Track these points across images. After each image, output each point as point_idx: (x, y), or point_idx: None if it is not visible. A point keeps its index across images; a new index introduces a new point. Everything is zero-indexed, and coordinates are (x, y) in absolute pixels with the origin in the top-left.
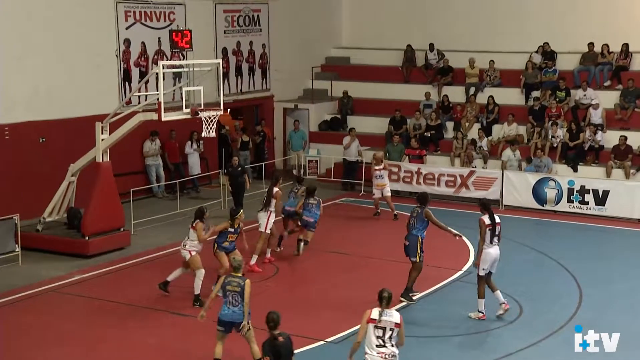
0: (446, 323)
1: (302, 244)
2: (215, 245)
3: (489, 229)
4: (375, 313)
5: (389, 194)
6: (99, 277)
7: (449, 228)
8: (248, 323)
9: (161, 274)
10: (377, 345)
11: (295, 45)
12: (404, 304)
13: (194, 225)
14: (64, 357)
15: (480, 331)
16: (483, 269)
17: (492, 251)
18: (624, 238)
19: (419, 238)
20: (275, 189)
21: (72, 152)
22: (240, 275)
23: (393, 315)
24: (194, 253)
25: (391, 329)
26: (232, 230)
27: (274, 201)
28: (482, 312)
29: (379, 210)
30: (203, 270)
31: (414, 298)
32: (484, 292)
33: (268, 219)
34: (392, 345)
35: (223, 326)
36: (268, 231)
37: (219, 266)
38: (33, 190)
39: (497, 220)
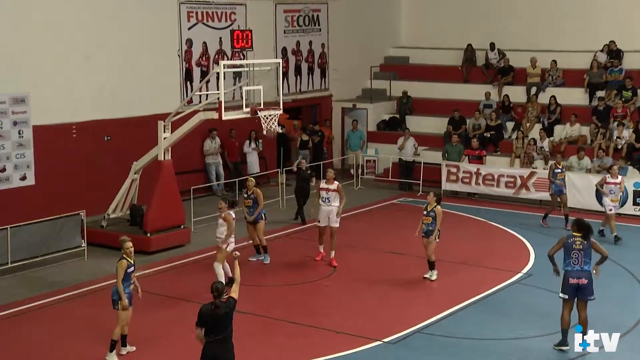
0: (504, 326)
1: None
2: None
3: None
4: None
5: (613, 212)
6: (159, 273)
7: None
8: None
9: None
10: None
11: (354, 45)
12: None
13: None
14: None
15: (540, 335)
16: None
17: None
18: None
19: (592, 274)
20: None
21: (135, 150)
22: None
23: None
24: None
25: None
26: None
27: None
28: None
29: (602, 228)
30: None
31: None
32: None
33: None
34: None
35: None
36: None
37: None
38: (98, 187)
39: None
